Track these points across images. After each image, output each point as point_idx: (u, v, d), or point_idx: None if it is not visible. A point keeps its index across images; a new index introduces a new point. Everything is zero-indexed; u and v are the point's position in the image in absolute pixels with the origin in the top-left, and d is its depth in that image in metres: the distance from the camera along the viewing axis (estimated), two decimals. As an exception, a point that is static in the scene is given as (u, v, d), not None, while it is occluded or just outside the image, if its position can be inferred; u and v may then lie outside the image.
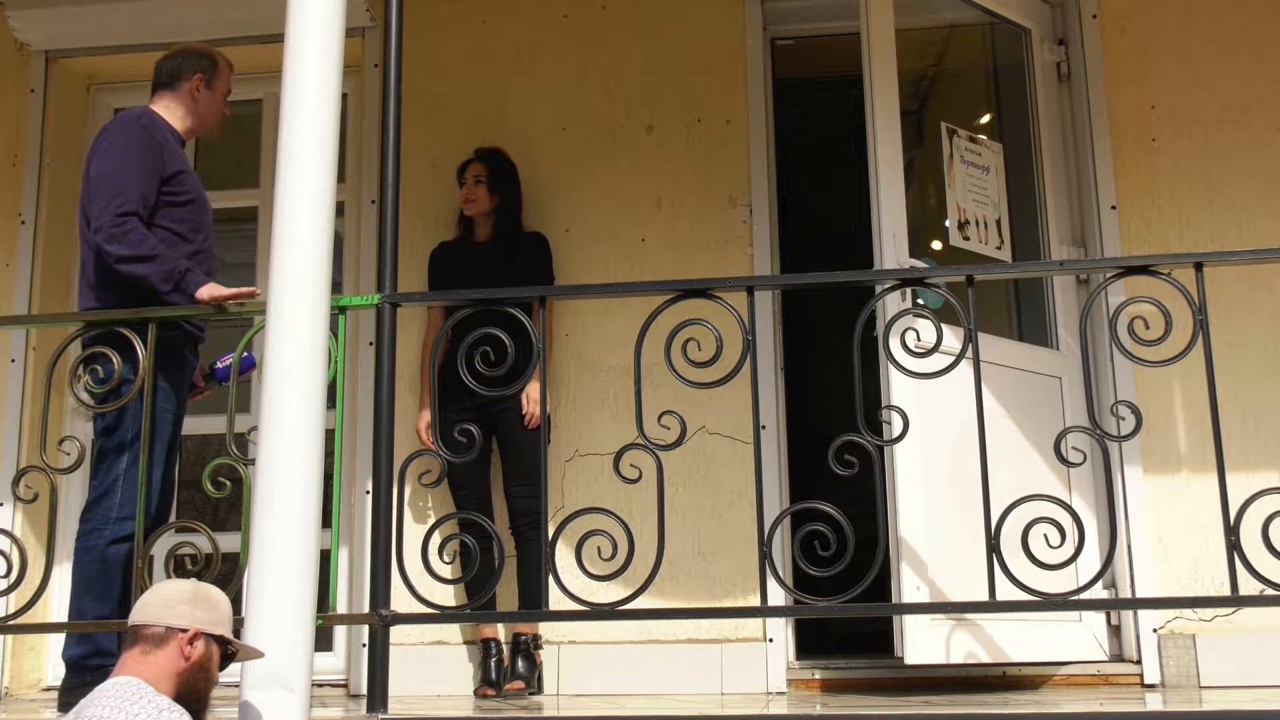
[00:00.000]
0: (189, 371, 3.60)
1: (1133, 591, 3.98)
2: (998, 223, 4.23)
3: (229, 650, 2.48)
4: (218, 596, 2.50)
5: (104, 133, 3.56)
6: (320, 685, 4.26)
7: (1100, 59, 4.39)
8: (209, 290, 3.39)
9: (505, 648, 4.05)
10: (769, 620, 4.03)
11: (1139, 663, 3.94)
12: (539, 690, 4.02)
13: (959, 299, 2.89)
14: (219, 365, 3.63)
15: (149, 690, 2.34)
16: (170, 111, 3.64)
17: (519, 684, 3.92)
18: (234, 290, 3.38)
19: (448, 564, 2.92)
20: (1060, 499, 2.82)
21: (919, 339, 2.83)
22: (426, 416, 4.05)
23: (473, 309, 3.02)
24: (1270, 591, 2.61)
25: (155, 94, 3.69)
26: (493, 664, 4.01)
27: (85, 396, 3.17)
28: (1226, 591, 2.69)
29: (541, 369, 2.95)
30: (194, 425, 4.80)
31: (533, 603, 3.85)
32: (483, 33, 4.71)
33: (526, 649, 4.00)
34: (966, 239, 4.12)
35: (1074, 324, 4.17)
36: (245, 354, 3.53)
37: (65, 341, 3.24)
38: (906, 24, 4.11)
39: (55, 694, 3.44)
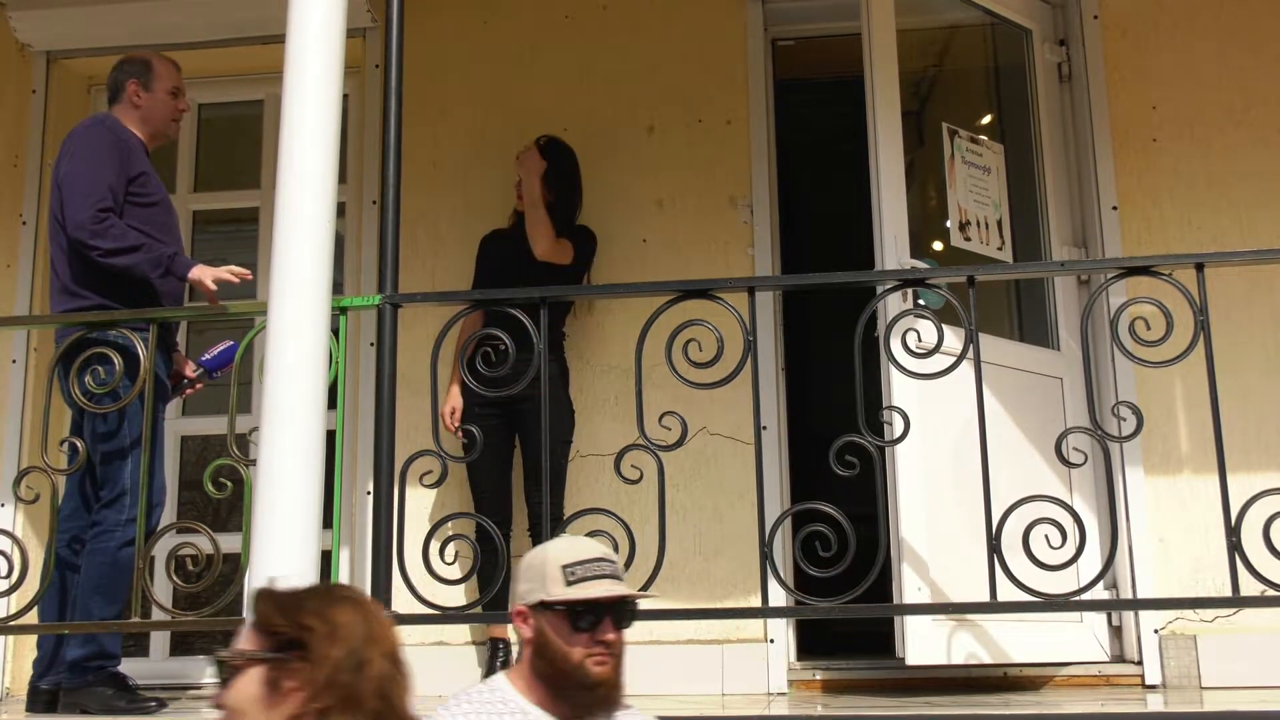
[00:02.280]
0: (168, 369, 3.63)
1: (1134, 592, 3.97)
2: (999, 223, 4.23)
3: (577, 607, 1.99)
4: (546, 553, 2.08)
5: (70, 137, 3.60)
6: (321, 686, 4.26)
7: (1101, 60, 4.39)
8: (200, 271, 3.41)
9: (514, 650, 4.05)
10: (770, 621, 4.02)
11: (1140, 663, 3.94)
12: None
13: (960, 300, 2.89)
14: (205, 357, 3.64)
15: (492, 683, 2.03)
16: (127, 122, 3.68)
17: None
18: (228, 269, 3.40)
19: (449, 564, 2.91)
20: (1061, 500, 2.82)
21: (920, 340, 2.83)
22: (449, 403, 4.06)
23: (475, 308, 3.02)
24: (1271, 592, 2.61)
25: (109, 109, 3.76)
26: (498, 664, 4.00)
27: (84, 398, 3.17)
28: (1228, 592, 2.68)
29: (543, 370, 2.94)
30: (195, 426, 4.83)
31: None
32: (484, 33, 4.71)
33: None
34: (967, 240, 4.12)
35: (1075, 325, 4.16)
36: (229, 344, 3.58)
37: (68, 344, 3.23)
38: (908, 24, 4.11)
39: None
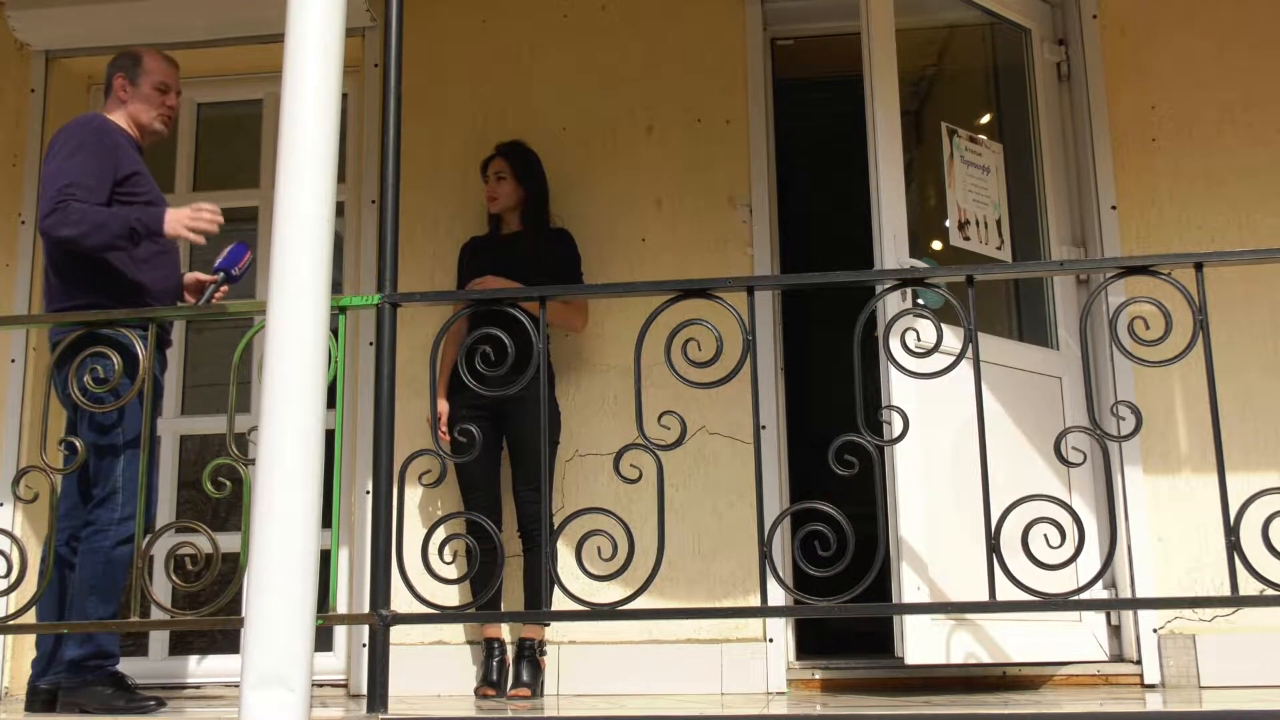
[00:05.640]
0: (165, 365, 3.65)
1: (1133, 591, 3.98)
2: (998, 223, 4.23)
3: None
4: None
5: (56, 136, 3.58)
6: (320, 685, 4.26)
7: (1100, 59, 4.39)
8: (173, 225, 3.44)
9: (509, 649, 4.05)
10: (769, 620, 4.03)
11: (1139, 663, 3.94)
12: (540, 694, 4.02)
13: (959, 299, 2.89)
14: (219, 262, 3.61)
15: None
16: (117, 118, 3.67)
17: (524, 690, 3.91)
18: (194, 207, 3.47)
19: (449, 564, 2.91)
20: (1060, 499, 2.81)
21: (919, 339, 2.83)
22: (438, 409, 4.06)
23: (476, 308, 3.01)
24: (1270, 592, 2.61)
25: (104, 105, 3.75)
26: (494, 664, 4.00)
27: (81, 396, 3.16)
28: (1226, 591, 2.68)
29: (542, 370, 2.94)
30: (195, 425, 4.82)
31: (538, 606, 3.85)
32: (483, 33, 4.71)
33: (531, 654, 3.98)
34: (967, 239, 4.12)
35: (1074, 324, 4.17)
36: (236, 243, 3.58)
37: (68, 341, 3.23)
38: (907, 24, 4.11)
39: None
